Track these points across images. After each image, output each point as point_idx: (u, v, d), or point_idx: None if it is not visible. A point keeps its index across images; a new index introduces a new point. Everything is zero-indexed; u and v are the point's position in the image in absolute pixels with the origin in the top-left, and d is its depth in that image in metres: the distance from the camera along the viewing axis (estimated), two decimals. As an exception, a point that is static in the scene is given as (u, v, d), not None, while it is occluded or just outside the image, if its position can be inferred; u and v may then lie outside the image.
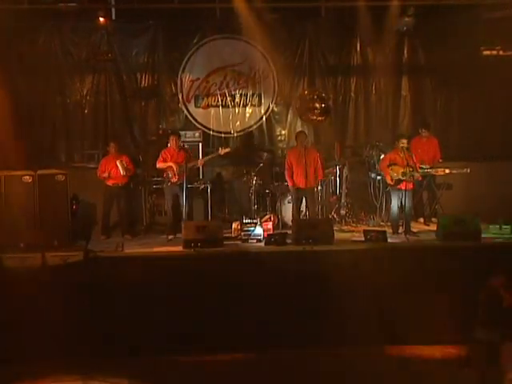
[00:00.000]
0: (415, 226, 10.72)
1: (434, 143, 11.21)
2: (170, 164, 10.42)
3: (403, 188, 10.09)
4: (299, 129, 12.16)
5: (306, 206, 10.60)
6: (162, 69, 12.41)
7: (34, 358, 8.17)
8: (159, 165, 10.55)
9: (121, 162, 10.62)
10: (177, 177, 10.36)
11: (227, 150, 10.94)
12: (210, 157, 11.04)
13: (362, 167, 11.92)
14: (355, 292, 8.64)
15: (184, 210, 10.21)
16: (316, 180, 10.54)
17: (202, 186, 11.19)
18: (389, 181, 10.39)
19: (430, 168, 10.56)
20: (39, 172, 9.44)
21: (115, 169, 10.65)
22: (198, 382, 7.98)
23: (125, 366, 8.30)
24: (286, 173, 10.54)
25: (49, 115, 12.13)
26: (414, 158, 10.20)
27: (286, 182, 10.62)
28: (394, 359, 8.54)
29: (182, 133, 11.37)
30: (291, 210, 10.65)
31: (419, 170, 10.25)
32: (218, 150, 11.02)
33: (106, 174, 10.61)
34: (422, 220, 11.27)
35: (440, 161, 10.98)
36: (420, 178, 10.45)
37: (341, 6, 11.65)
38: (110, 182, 10.68)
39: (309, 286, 8.84)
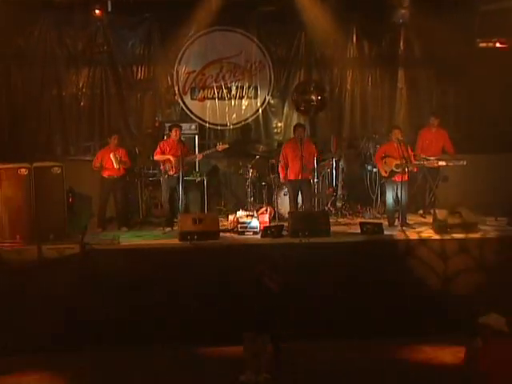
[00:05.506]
0: (412, 218, 10.73)
1: (442, 134, 11.20)
2: (168, 156, 10.38)
3: (398, 180, 10.07)
4: (295, 121, 12.16)
5: (302, 199, 10.59)
6: (158, 61, 12.35)
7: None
8: (157, 157, 10.52)
9: (114, 155, 10.54)
10: (174, 169, 10.34)
11: (226, 146, 10.83)
12: (208, 152, 11.00)
13: (358, 159, 11.96)
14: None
15: (180, 202, 10.20)
16: (312, 172, 10.53)
17: (199, 179, 11.18)
18: (383, 173, 10.39)
19: (426, 159, 10.56)
20: (35, 165, 9.41)
21: (110, 161, 10.62)
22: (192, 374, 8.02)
23: (120, 356, 8.35)
24: (279, 164, 10.54)
25: (44, 108, 12.08)
26: (409, 149, 10.19)
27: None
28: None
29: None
30: (287, 202, 10.65)
31: (415, 162, 10.23)
32: (215, 145, 10.99)
33: (98, 164, 10.52)
34: (420, 212, 11.29)
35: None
36: (415, 170, 10.42)
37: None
38: (105, 174, 10.62)
39: (305, 279, 8.87)
